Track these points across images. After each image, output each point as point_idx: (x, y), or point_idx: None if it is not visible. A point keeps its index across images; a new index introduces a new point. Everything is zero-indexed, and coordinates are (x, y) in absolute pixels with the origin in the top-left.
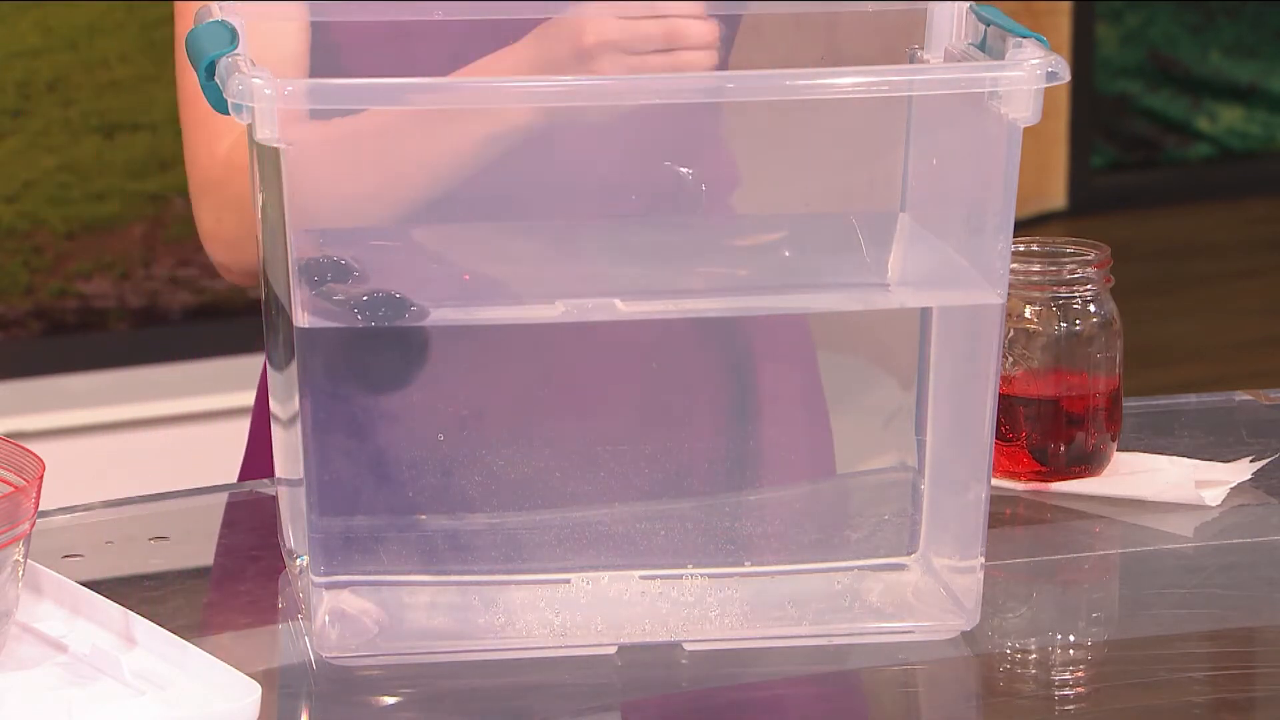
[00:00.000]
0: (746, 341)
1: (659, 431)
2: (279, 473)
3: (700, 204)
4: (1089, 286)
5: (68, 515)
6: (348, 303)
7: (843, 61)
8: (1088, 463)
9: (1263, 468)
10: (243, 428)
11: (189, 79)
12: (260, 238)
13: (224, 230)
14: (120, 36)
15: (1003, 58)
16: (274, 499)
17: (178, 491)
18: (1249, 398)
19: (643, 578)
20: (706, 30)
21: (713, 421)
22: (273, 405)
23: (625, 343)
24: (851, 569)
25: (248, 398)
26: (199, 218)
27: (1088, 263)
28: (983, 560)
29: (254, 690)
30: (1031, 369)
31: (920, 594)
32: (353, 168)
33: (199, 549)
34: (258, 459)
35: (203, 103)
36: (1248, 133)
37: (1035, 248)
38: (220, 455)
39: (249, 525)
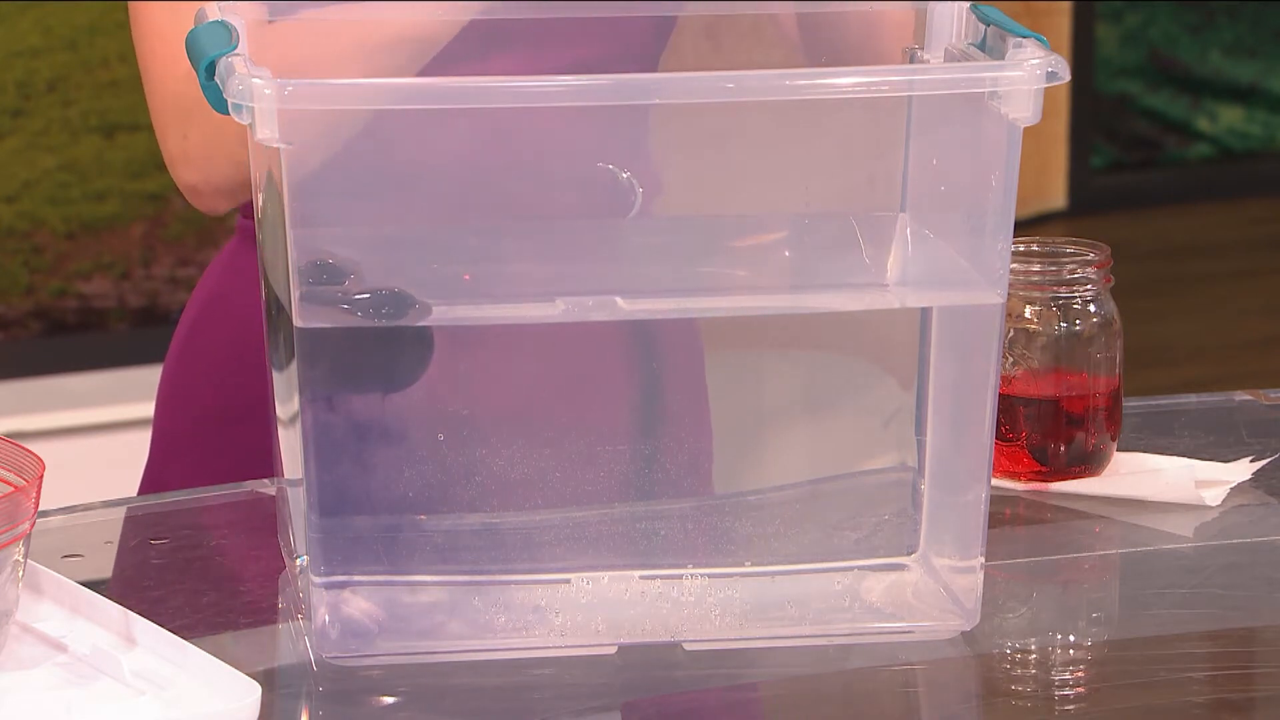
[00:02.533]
0: (653, 345)
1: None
2: (279, 473)
3: (635, 206)
4: (1089, 286)
5: (68, 515)
6: (349, 302)
7: (843, 61)
8: (1088, 463)
9: (1263, 468)
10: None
11: (148, 17)
12: (260, 237)
13: (191, 146)
14: (120, 36)
15: (1003, 58)
16: (274, 499)
17: (177, 491)
18: (1249, 398)
19: (643, 578)
20: None
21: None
22: (273, 405)
23: (609, 342)
24: (851, 569)
25: None
26: (165, 143)
27: (1088, 263)
28: (983, 560)
29: (254, 690)
30: (1031, 369)
31: (920, 594)
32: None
33: (199, 549)
34: (162, 469)
35: (161, 36)
36: (1248, 133)
37: (1035, 248)
38: None
39: (249, 525)
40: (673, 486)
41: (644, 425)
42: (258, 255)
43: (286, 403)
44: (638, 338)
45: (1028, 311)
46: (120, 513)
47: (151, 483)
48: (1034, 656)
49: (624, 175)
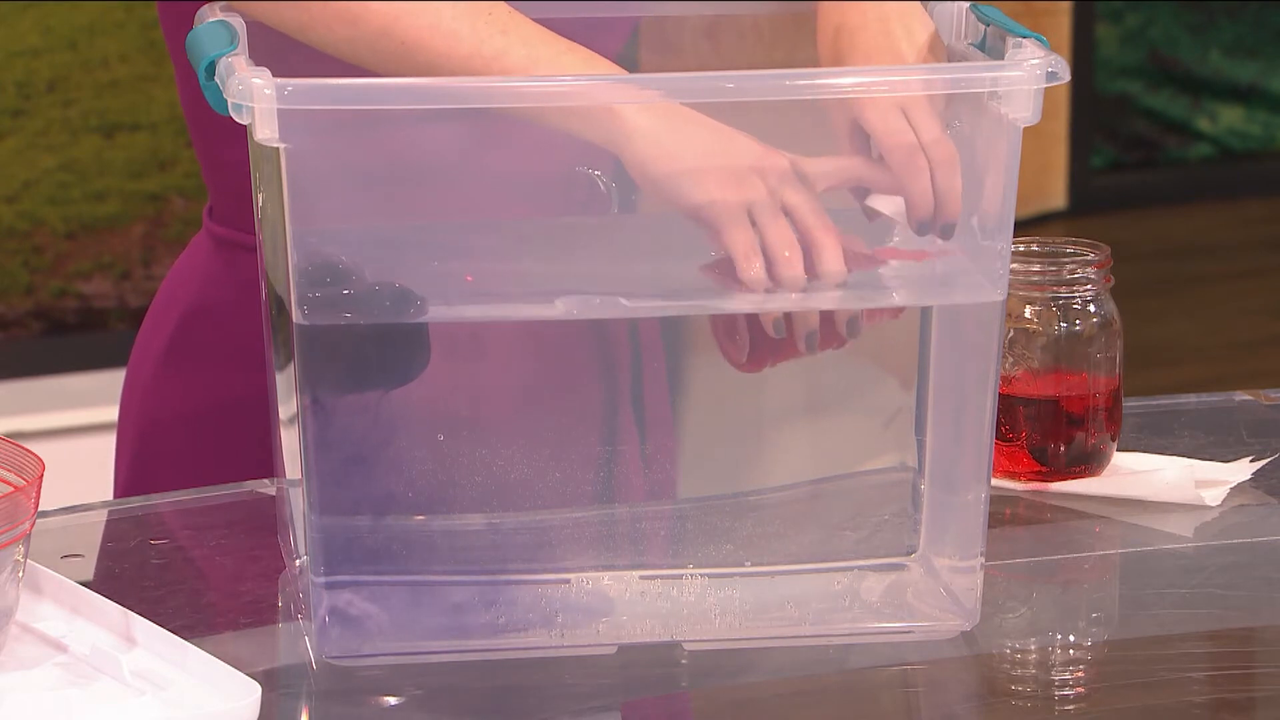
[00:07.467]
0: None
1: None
2: (279, 473)
3: (612, 204)
4: (1089, 286)
5: (68, 515)
6: (349, 299)
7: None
8: (1088, 463)
9: (1263, 468)
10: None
11: None
12: (260, 237)
13: None
14: (120, 36)
15: (1003, 58)
16: (274, 499)
17: (178, 491)
18: (1249, 398)
19: (643, 578)
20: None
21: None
22: (273, 405)
23: (620, 342)
24: (851, 569)
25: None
26: None
27: (1088, 263)
28: (983, 560)
29: (254, 690)
30: (1031, 369)
31: (920, 594)
32: None
33: (199, 549)
34: (142, 473)
35: None
36: (1248, 133)
37: (1035, 248)
38: None
39: (249, 525)
40: (672, 486)
41: (646, 424)
42: (258, 255)
43: (286, 402)
44: (634, 337)
45: (1028, 311)
46: (121, 513)
47: (130, 487)
48: (1034, 656)
49: (595, 173)
